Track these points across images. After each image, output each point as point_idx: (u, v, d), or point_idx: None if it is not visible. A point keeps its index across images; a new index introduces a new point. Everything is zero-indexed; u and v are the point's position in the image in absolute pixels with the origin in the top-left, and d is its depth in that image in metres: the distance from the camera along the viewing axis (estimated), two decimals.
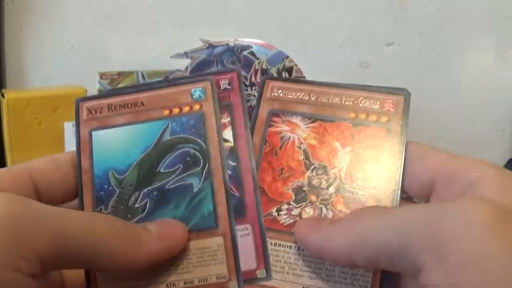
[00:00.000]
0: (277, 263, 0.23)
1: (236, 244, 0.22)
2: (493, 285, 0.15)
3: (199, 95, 0.24)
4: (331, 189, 0.23)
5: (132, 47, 0.62)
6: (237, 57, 0.51)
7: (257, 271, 0.22)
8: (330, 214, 0.23)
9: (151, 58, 0.60)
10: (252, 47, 0.51)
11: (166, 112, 0.24)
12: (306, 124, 0.25)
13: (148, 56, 0.60)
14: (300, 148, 0.24)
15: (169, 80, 0.26)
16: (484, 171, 0.20)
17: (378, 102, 0.25)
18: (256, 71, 0.52)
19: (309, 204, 0.23)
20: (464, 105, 0.61)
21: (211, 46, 0.51)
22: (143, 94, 0.25)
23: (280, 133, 0.25)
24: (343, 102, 0.25)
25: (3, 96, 0.48)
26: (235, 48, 0.51)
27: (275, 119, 0.25)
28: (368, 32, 0.59)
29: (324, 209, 0.23)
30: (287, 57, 0.51)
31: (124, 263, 0.20)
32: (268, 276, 0.22)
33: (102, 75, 0.57)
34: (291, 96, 0.25)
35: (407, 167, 0.23)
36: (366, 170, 0.23)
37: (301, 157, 0.24)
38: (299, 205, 0.23)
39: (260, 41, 0.51)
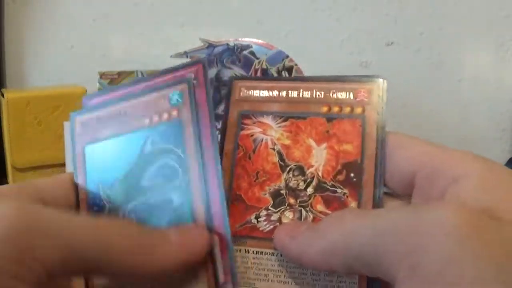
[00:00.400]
0: (261, 271, 0.22)
1: (216, 261, 0.21)
2: None
3: (176, 99, 0.23)
4: (310, 190, 0.22)
5: (132, 47, 0.62)
6: (237, 56, 0.51)
7: (223, 285, 0.21)
8: (310, 216, 0.22)
9: (151, 57, 0.60)
10: (252, 47, 0.51)
11: (147, 121, 0.23)
12: (278, 123, 0.24)
13: (148, 56, 0.60)
14: (274, 149, 0.23)
15: (150, 78, 0.24)
16: (467, 166, 0.19)
17: (351, 93, 0.23)
18: (256, 71, 0.52)
19: (288, 207, 0.22)
20: (464, 105, 0.61)
21: (211, 45, 0.51)
22: (128, 102, 0.24)
23: (252, 135, 0.24)
24: (314, 96, 0.24)
25: (3, 95, 0.48)
26: (235, 47, 0.51)
27: (246, 121, 0.24)
28: (368, 32, 0.59)
29: (303, 212, 0.22)
30: (287, 56, 0.51)
31: (139, 274, 0.19)
32: None
33: (102, 75, 0.57)
34: (260, 95, 0.24)
35: (387, 159, 0.22)
36: (344, 166, 0.22)
37: (276, 159, 0.23)
38: (277, 209, 0.22)
39: (260, 41, 0.51)
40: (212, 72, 0.50)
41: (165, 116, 0.23)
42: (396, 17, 0.59)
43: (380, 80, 0.23)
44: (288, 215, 0.22)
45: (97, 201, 0.23)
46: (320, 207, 0.22)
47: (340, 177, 0.22)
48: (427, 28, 0.59)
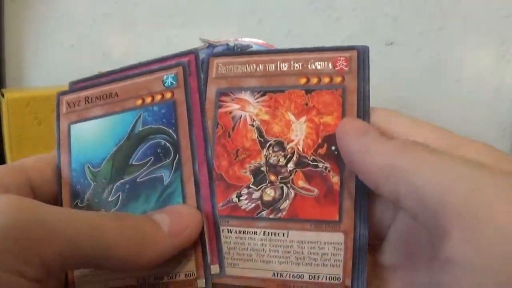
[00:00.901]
0: (244, 251, 0.21)
1: (205, 240, 0.21)
2: None
3: (171, 82, 0.23)
4: (290, 165, 0.22)
5: (132, 46, 0.61)
6: None
7: (197, 280, 0.21)
8: (292, 193, 0.22)
9: (151, 57, 0.60)
10: (252, 47, 0.51)
11: (139, 101, 0.23)
12: (256, 99, 0.23)
13: (148, 55, 0.60)
14: (253, 126, 0.23)
15: (142, 64, 0.25)
16: (474, 153, 0.18)
17: (330, 62, 0.23)
18: None
19: (269, 185, 0.22)
20: (464, 104, 0.61)
21: (211, 45, 0.51)
22: (118, 84, 0.24)
23: (230, 113, 0.23)
24: (292, 68, 0.23)
25: (3, 95, 0.48)
26: (235, 47, 0.51)
27: (224, 98, 0.23)
28: (368, 31, 0.59)
29: (285, 188, 0.22)
30: None
31: (135, 265, 0.19)
32: (222, 272, 0.21)
33: None
34: (238, 71, 0.24)
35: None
36: (325, 139, 0.22)
37: (255, 136, 0.23)
38: (259, 187, 0.22)
39: (260, 41, 0.51)
40: None
41: (158, 97, 0.23)
42: (396, 17, 0.59)
43: (360, 46, 0.23)
44: (270, 192, 0.22)
45: (81, 180, 0.23)
46: (301, 183, 0.22)
47: (321, 151, 0.22)
48: (427, 28, 0.59)
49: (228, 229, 0.22)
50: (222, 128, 0.23)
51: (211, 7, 0.59)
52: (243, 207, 0.22)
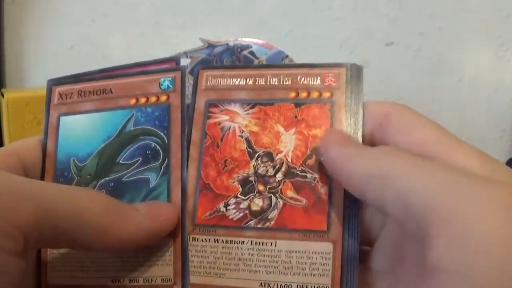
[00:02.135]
0: (231, 261, 0.21)
1: (186, 247, 0.21)
2: (504, 273, 0.13)
3: (167, 85, 0.23)
4: (279, 176, 0.22)
5: (132, 47, 0.61)
6: (237, 56, 0.51)
7: (173, 286, 0.21)
8: (280, 203, 0.22)
9: (150, 57, 0.60)
10: (251, 47, 0.51)
11: (133, 101, 0.23)
12: (245, 110, 0.23)
13: (147, 56, 0.60)
14: (242, 136, 0.23)
15: (139, 64, 0.25)
16: (467, 159, 0.18)
17: (319, 78, 0.23)
18: None
19: (257, 194, 0.22)
20: (464, 105, 0.61)
21: (211, 45, 0.51)
22: (114, 81, 0.24)
23: (219, 124, 0.23)
24: (282, 82, 0.23)
25: (2, 95, 0.48)
26: (235, 47, 0.51)
27: (213, 109, 0.24)
28: (368, 31, 0.59)
29: (273, 198, 0.22)
30: (287, 56, 0.51)
31: (112, 241, 0.19)
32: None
33: None
34: (227, 83, 0.24)
35: (389, 137, 0.21)
36: (314, 150, 0.22)
37: (244, 146, 0.23)
38: (247, 197, 0.22)
39: (260, 41, 0.51)
40: None
41: (153, 99, 0.23)
42: (396, 17, 0.59)
43: (348, 64, 0.24)
44: (258, 202, 0.22)
45: (65, 172, 0.23)
46: (290, 193, 0.22)
47: (310, 162, 0.22)
48: (427, 28, 0.59)
49: (215, 239, 0.22)
50: (211, 138, 0.23)
51: (211, 7, 0.59)
52: (230, 217, 0.22)
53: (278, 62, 0.50)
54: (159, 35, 0.60)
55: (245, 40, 0.49)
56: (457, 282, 0.14)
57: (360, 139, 0.22)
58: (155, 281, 0.21)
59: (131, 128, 0.23)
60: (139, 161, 0.23)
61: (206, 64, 0.49)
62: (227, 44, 0.49)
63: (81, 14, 0.60)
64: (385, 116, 0.21)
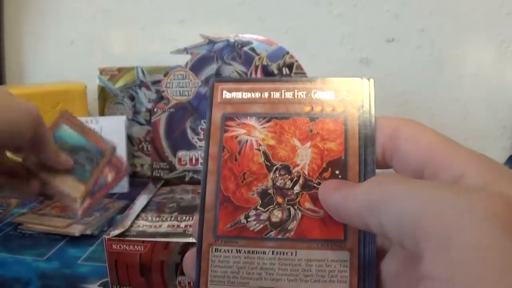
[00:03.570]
0: (253, 270, 0.22)
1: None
2: (491, 283, 0.14)
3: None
4: (297, 188, 0.23)
5: (132, 43, 0.61)
6: (238, 53, 0.51)
7: None
8: (299, 214, 0.23)
9: (151, 53, 0.60)
10: (252, 43, 0.51)
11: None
12: (261, 124, 0.24)
13: (148, 52, 0.60)
14: (260, 150, 0.24)
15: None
16: (471, 164, 0.19)
17: (332, 92, 0.24)
18: (256, 67, 0.52)
19: (276, 206, 0.23)
20: (465, 102, 0.61)
21: (211, 41, 0.51)
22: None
23: (236, 137, 0.24)
24: (296, 96, 0.24)
25: None
26: (236, 44, 0.51)
27: (230, 123, 0.24)
28: (369, 28, 0.59)
29: (292, 210, 0.23)
30: (288, 53, 0.51)
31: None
32: None
33: (102, 71, 0.57)
34: (243, 97, 0.25)
35: (397, 152, 0.22)
36: (329, 163, 0.23)
37: (262, 160, 0.24)
38: (266, 209, 0.23)
39: (260, 37, 0.51)
40: (212, 69, 0.50)
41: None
42: (397, 13, 0.59)
43: (358, 79, 0.24)
44: (277, 213, 0.23)
45: None
46: (308, 204, 0.22)
47: (326, 175, 0.23)
48: (428, 25, 0.59)
49: (237, 249, 0.23)
50: (229, 152, 0.24)
51: (211, 3, 0.59)
52: (251, 228, 0.23)
53: (279, 58, 0.50)
54: (159, 31, 0.60)
55: (246, 36, 0.49)
56: None
57: (374, 151, 0.23)
58: None
59: None
60: None
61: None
62: (228, 40, 0.49)
63: (81, 10, 0.60)
64: (394, 128, 0.22)
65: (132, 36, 0.61)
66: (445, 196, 0.17)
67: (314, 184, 0.23)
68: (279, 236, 0.23)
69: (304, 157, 0.23)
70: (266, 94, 0.25)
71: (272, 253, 0.22)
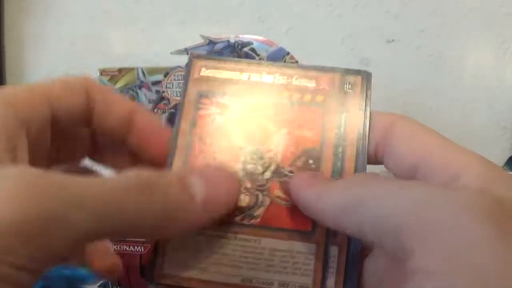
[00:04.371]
0: (213, 255, 0.21)
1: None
2: (484, 277, 0.14)
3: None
4: (267, 174, 0.22)
5: (132, 44, 0.61)
6: (238, 53, 0.51)
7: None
8: (267, 201, 0.21)
9: (151, 54, 0.60)
10: (252, 44, 0.51)
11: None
12: (237, 105, 0.23)
13: (148, 52, 0.60)
14: (232, 131, 0.23)
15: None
16: (469, 164, 0.19)
17: (313, 81, 0.23)
18: None
19: (244, 191, 0.22)
20: (465, 102, 0.61)
21: (211, 42, 0.51)
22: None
23: (210, 116, 0.23)
24: (276, 81, 0.23)
25: None
26: (236, 44, 0.51)
27: (205, 100, 0.23)
28: (369, 28, 0.59)
29: (260, 196, 0.22)
30: (288, 53, 0.51)
31: (163, 235, 0.19)
32: None
33: (102, 72, 0.57)
34: (221, 76, 0.23)
35: (392, 149, 0.21)
36: (303, 152, 0.22)
37: (234, 141, 0.22)
38: None
39: (260, 38, 0.51)
40: None
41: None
42: (397, 14, 0.59)
43: (342, 70, 0.23)
44: (244, 198, 0.22)
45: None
46: (277, 192, 0.22)
47: (299, 163, 0.22)
48: (428, 26, 0.59)
49: (198, 232, 0.21)
50: (200, 130, 0.23)
51: (211, 3, 0.59)
52: None
53: (279, 59, 0.50)
54: (159, 31, 0.60)
55: (246, 37, 0.49)
56: (436, 281, 0.15)
57: (366, 146, 0.22)
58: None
59: None
60: None
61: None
62: (228, 41, 0.49)
63: (81, 11, 0.60)
64: (389, 125, 0.21)
65: (132, 37, 0.61)
66: (429, 194, 0.16)
67: (286, 172, 0.22)
68: (244, 222, 0.21)
69: (278, 143, 0.22)
70: (245, 76, 0.23)
71: (235, 239, 0.21)
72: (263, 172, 0.22)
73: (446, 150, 0.20)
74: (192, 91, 0.23)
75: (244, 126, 0.23)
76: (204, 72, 0.24)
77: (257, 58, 0.50)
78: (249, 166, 0.22)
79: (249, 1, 0.59)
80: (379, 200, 0.17)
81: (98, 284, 0.36)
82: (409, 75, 0.60)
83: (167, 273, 0.21)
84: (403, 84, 0.60)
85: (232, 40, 0.50)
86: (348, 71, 0.23)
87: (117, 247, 0.34)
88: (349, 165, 0.22)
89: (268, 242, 0.21)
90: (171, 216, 0.18)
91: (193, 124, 0.23)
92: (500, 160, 0.62)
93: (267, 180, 0.22)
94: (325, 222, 0.19)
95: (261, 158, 0.22)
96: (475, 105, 0.61)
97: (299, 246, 0.21)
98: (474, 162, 0.19)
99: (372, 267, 0.21)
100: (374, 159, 0.22)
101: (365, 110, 0.23)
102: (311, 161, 0.22)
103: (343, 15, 0.59)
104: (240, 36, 0.50)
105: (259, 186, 0.22)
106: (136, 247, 0.34)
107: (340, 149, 0.22)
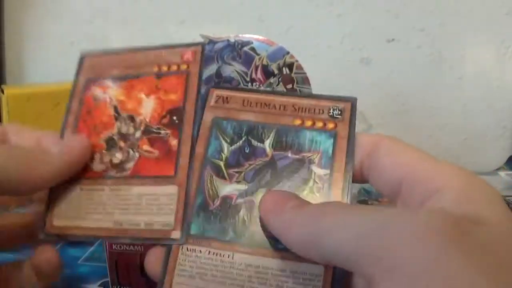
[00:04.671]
0: (92, 206, 0.25)
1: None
2: None
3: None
4: (138, 134, 0.27)
5: (132, 43, 0.61)
6: (238, 53, 0.51)
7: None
8: (136, 155, 0.26)
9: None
10: (252, 43, 0.51)
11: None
12: (116, 84, 0.28)
13: None
14: (111, 104, 0.28)
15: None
16: (450, 178, 0.19)
17: (179, 54, 0.29)
18: (256, 67, 0.52)
19: (118, 149, 0.26)
20: (465, 102, 0.61)
21: (211, 41, 0.50)
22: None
23: (94, 95, 0.28)
24: (147, 59, 0.29)
25: (2, 92, 0.48)
26: (236, 44, 0.50)
27: (91, 84, 0.29)
28: (369, 28, 0.59)
29: (131, 152, 0.26)
30: (288, 53, 0.51)
31: (31, 186, 0.23)
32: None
33: None
34: (106, 64, 0.29)
35: (378, 162, 0.22)
36: (169, 111, 0.27)
37: (112, 112, 0.28)
38: (109, 152, 0.26)
39: (260, 37, 0.51)
40: (212, 69, 0.50)
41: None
42: (397, 13, 0.58)
43: (200, 46, 0.30)
44: (118, 155, 0.26)
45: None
46: (146, 147, 0.26)
47: (165, 121, 0.27)
48: (428, 25, 0.59)
49: (80, 187, 0.25)
50: (86, 107, 0.28)
51: (211, 3, 0.59)
52: (94, 169, 0.26)
53: (279, 58, 0.50)
54: (159, 31, 0.60)
55: (246, 36, 0.49)
56: None
57: (352, 165, 0.23)
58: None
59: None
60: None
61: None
62: (228, 40, 0.49)
63: (81, 10, 0.60)
64: (374, 144, 0.23)
65: (132, 36, 0.61)
66: (379, 219, 0.17)
67: (154, 130, 0.27)
68: (117, 175, 0.25)
69: (147, 108, 0.27)
70: (124, 59, 0.29)
71: (110, 190, 0.25)
72: (134, 133, 0.27)
73: (429, 165, 0.20)
74: (81, 80, 0.29)
75: (120, 99, 0.28)
76: (92, 61, 0.30)
77: (256, 57, 0.50)
78: (123, 129, 0.27)
79: (249, 1, 0.59)
80: (334, 232, 0.18)
81: (98, 283, 0.36)
82: (409, 75, 0.60)
83: (55, 225, 0.25)
84: (403, 83, 0.60)
85: (232, 40, 0.50)
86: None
87: (117, 247, 0.33)
88: (336, 192, 0.23)
89: (137, 189, 0.25)
90: (30, 166, 0.22)
91: (81, 104, 0.28)
92: (500, 160, 0.62)
93: (138, 138, 0.27)
94: (297, 252, 0.20)
95: (133, 121, 0.27)
96: (475, 105, 0.61)
97: (162, 189, 0.25)
98: (456, 177, 0.19)
99: (360, 285, 0.21)
100: (360, 177, 0.23)
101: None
102: (174, 117, 0.26)
103: (343, 15, 0.59)
104: (240, 35, 0.50)
105: (131, 144, 0.26)
106: (136, 247, 0.34)
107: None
